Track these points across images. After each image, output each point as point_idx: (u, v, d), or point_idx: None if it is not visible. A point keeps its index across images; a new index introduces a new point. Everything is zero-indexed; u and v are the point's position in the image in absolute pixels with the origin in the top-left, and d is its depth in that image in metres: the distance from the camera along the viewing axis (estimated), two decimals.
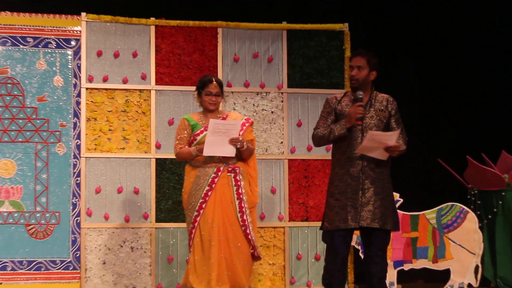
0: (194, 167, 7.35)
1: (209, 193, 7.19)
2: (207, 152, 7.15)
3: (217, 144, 7.15)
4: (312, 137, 7.17)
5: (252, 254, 7.33)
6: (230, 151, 7.19)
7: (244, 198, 7.28)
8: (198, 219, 7.20)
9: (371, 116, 6.94)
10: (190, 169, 7.39)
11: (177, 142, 7.47)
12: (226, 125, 7.18)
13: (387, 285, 8.76)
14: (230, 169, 7.28)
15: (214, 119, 7.24)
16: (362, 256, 8.80)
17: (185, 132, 7.42)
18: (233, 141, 7.15)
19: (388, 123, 7.00)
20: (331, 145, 7.19)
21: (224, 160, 7.29)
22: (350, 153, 6.89)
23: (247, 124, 7.42)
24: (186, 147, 7.42)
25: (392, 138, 6.78)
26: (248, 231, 7.25)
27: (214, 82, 7.39)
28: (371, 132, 6.77)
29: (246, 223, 7.25)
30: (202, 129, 7.34)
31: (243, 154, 7.34)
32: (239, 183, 7.27)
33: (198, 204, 7.22)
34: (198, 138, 7.33)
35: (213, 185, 7.20)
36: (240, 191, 7.27)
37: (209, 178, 7.22)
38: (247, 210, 7.29)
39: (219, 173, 7.25)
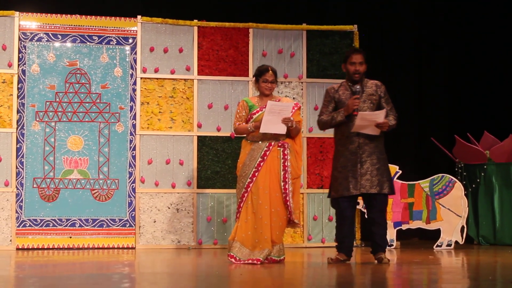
0: (250, 142, 7.21)
1: (261, 164, 7.07)
2: (263, 129, 7.03)
3: (272, 122, 7.00)
4: (317, 122, 7.26)
5: (288, 219, 7.16)
6: (282, 129, 7.06)
7: (288, 170, 7.12)
8: (251, 185, 7.07)
9: (363, 100, 6.98)
10: (246, 143, 7.25)
11: (236, 119, 7.32)
12: (280, 106, 7.04)
13: (388, 241, 8.98)
14: (280, 144, 7.13)
15: (270, 101, 7.07)
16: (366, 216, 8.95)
17: (244, 111, 7.25)
18: (285, 120, 7.01)
19: (379, 104, 7.04)
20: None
21: (275, 136, 7.14)
22: (348, 133, 6.94)
23: (295, 108, 7.21)
24: (244, 124, 7.26)
25: (380, 116, 6.84)
26: (287, 198, 7.08)
27: (270, 71, 7.21)
28: (360, 113, 6.82)
29: (287, 191, 7.08)
30: (258, 109, 7.19)
31: (292, 133, 7.17)
32: (286, 156, 7.12)
33: (252, 172, 7.09)
34: (254, 116, 7.19)
35: (265, 157, 7.08)
36: (286, 163, 7.12)
37: (262, 151, 7.11)
38: (290, 180, 7.11)
39: (271, 147, 7.12)
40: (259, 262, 6.91)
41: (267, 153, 7.14)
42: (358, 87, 6.98)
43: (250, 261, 6.94)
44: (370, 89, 7.07)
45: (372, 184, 6.90)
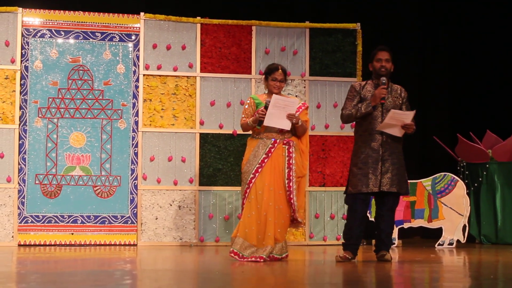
0: (255, 139, 7.19)
1: (265, 160, 7.04)
2: (267, 122, 6.99)
3: (276, 117, 6.96)
4: (341, 116, 7.20)
5: (292, 217, 7.14)
6: (286, 125, 7.02)
7: (293, 168, 7.07)
8: (253, 180, 7.04)
9: (389, 100, 7.02)
10: (251, 140, 7.22)
11: (242, 116, 7.28)
12: (286, 101, 7.00)
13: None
14: (285, 141, 7.10)
15: (275, 95, 7.04)
16: (369, 217, 8.87)
17: (250, 108, 7.22)
18: (289, 116, 6.97)
19: (401, 108, 7.07)
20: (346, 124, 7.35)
21: (280, 133, 7.12)
22: (372, 130, 6.95)
23: (303, 108, 7.23)
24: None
25: (409, 116, 6.88)
26: (291, 196, 7.05)
27: (280, 70, 7.18)
28: (393, 110, 6.83)
29: (291, 189, 7.04)
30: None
31: (297, 131, 7.16)
32: (291, 154, 7.07)
33: (255, 168, 7.05)
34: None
35: (270, 154, 7.06)
36: (290, 161, 7.07)
37: (267, 148, 7.07)
38: (294, 178, 7.07)
39: (276, 144, 7.09)
40: (262, 260, 6.89)
41: (272, 150, 7.11)
42: (384, 78, 6.97)
43: (253, 259, 6.92)
44: (395, 91, 7.12)
45: (393, 182, 6.93)
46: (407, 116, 6.88)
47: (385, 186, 6.91)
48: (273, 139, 7.14)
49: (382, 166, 6.91)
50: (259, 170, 7.08)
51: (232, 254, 7.08)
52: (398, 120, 6.86)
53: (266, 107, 7.03)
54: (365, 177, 6.93)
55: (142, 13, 9.30)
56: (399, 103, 7.08)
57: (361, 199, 6.99)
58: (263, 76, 7.35)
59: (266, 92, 7.36)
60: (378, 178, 6.91)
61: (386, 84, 6.96)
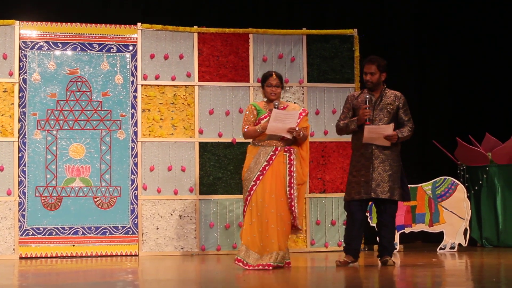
0: (256, 146, 7.19)
1: (267, 168, 7.05)
2: (269, 131, 7.04)
3: (277, 128, 7.01)
4: (335, 127, 7.41)
5: (292, 224, 7.14)
6: (289, 134, 7.08)
7: (294, 175, 7.10)
8: (254, 188, 7.05)
9: (380, 108, 7.14)
10: (252, 147, 7.22)
11: (244, 123, 7.28)
12: (286, 114, 7.05)
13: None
14: (286, 149, 7.12)
15: (275, 109, 7.05)
16: (370, 223, 9.01)
17: (252, 115, 7.24)
18: (290, 131, 7.05)
19: (397, 114, 7.18)
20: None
21: (281, 140, 7.13)
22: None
23: (303, 114, 7.23)
24: (252, 126, 7.20)
25: (387, 129, 7.02)
26: (292, 204, 7.07)
27: (274, 75, 7.22)
28: (367, 127, 7.02)
29: (292, 196, 7.07)
30: (266, 114, 7.16)
31: (299, 140, 7.17)
32: (292, 162, 7.11)
33: (256, 176, 7.06)
34: (262, 122, 7.13)
35: (271, 162, 7.07)
36: (292, 169, 7.10)
37: (268, 155, 7.09)
38: (295, 185, 7.10)
39: (277, 152, 7.10)
40: (271, 268, 6.88)
41: (273, 157, 7.13)
42: (367, 96, 7.13)
43: (261, 267, 6.90)
44: (388, 98, 7.22)
45: (383, 190, 7.10)
46: (385, 129, 7.05)
47: (374, 193, 7.09)
48: (274, 147, 7.16)
49: (372, 174, 7.09)
50: (260, 177, 7.10)
51: (237, 262, 7.06)
52: (377, 133, 7.04)
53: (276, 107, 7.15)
54: (358, 185, 7.14)
55: (139, 24, 9.29)
56: (392, 110, 7.19)
57: (357, 205, 7.18)
58: (261, 85, 7.40)
59: (265, 100, 7.39)
60: (370, 185, 7.09)
61: (370, 100, 7.10)
